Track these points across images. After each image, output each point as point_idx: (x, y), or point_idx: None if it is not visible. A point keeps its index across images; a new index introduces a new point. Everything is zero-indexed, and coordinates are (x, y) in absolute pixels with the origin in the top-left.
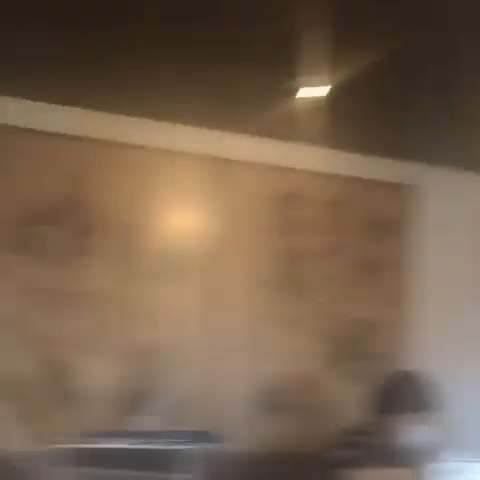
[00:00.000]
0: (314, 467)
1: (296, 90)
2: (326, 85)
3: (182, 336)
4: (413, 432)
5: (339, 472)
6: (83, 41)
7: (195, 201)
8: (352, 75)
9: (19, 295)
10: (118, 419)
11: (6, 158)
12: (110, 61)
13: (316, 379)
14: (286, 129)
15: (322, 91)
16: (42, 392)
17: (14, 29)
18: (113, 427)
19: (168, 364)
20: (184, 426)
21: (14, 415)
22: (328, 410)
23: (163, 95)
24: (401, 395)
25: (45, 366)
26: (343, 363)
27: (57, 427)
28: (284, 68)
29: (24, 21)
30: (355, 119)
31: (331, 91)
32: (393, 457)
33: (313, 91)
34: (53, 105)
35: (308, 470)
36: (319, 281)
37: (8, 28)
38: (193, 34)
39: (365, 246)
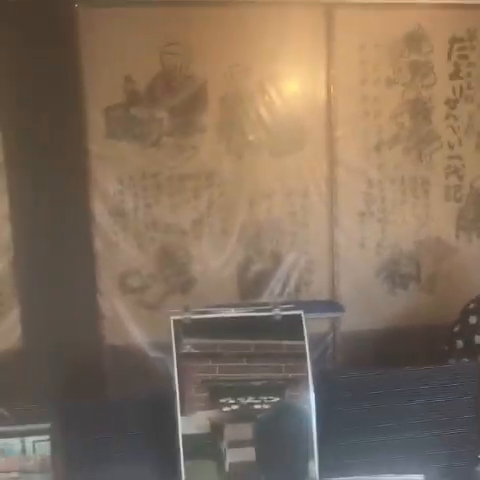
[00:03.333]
0: (446, 338)
1: None
2: None
3: (302, 209)
4: None
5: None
6: None
7: (307, 59)
8: None
9: (131, 182)
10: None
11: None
12: None
13: (450, 245)
14: None
15: None
16: (162, 281)
17: None
18: None
19: (291, 240)
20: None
21: (136, 306)
22: (464, 278)
23: None
24: None
25: (163, 252)
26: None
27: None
28: None
29: None
30: None
31: None
32: None
33: None
34: None
35: (439, 342)
36: (449, 133)
37: None
38: None
39: None
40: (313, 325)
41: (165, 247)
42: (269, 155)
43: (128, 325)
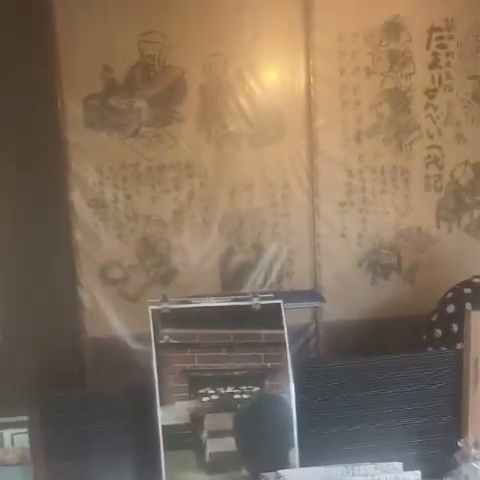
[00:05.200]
0: (424, 327)
1: None
2: None
3: (283, 200)
4: None
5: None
6: None
7: (286, 49)
8: None
9: (110, 173)
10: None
11: None
12: None
13: (430, 235)
14: None
15: None
16: (143, 272)
17: None
18: None
19: (272, 231)
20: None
21: (117, 298)
22: (444, 268)
23: None
24: None
25: (144, 244)
26: (460, 214)
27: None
28: None
29: None
30: None
31: None
32: None
33: None
34: None
35: (420, 332)
36: (428, 123)
37: None
38: None
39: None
40: (296, 315)
41: (146, 238)
42: (249, 145)
43: (109, 317)
